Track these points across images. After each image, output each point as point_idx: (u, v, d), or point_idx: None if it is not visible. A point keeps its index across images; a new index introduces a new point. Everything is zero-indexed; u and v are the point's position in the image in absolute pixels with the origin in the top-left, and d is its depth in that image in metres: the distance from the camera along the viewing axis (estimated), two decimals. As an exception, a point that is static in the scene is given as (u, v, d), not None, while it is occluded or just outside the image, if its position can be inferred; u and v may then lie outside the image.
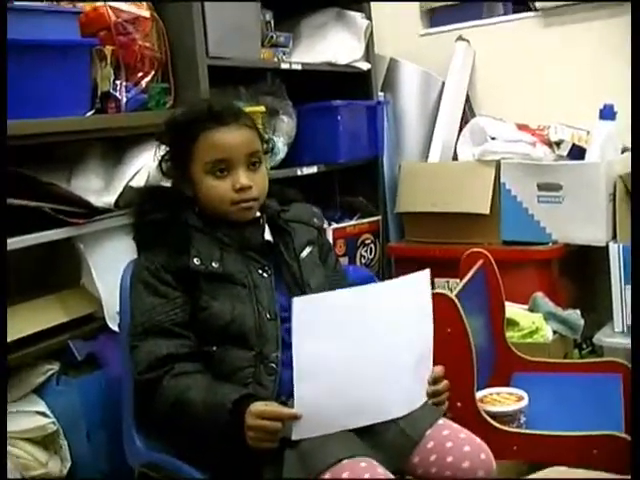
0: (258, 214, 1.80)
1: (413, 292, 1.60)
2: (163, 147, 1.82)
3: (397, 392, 1.56)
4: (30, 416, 2.00)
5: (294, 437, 1.46)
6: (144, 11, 2.34)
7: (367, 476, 1.42)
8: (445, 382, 1.68)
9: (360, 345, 1.48)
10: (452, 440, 1.56)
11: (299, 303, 1.43)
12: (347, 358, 1.47)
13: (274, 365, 1.63)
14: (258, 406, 1.49)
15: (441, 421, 1.62)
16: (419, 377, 1.62)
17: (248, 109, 1.98)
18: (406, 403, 1.58)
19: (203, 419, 1.54)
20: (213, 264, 1.67)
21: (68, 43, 2.06)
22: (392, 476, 1.48)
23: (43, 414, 2.01)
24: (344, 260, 3.12)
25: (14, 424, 1.95)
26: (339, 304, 1.47)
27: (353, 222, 3.29)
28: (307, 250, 1.83)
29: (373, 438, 1.56)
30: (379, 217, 3.41)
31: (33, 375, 2.04)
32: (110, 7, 2.22)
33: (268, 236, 1.80)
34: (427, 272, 1.62)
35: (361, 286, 1.61)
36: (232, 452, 1.53)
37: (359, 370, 1.49)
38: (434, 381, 1.66)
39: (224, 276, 1.67)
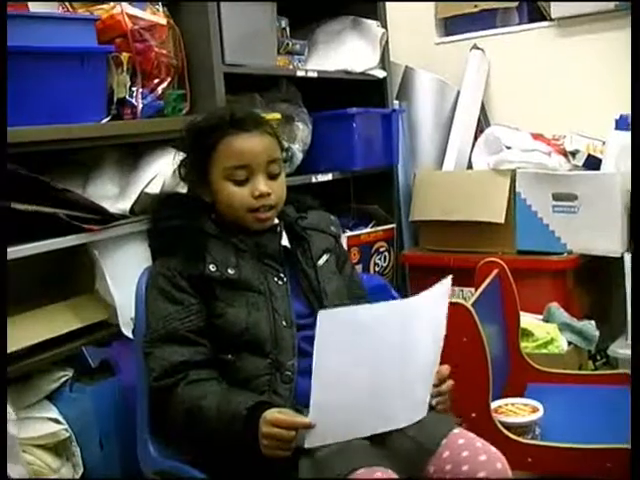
0: (276, 221, 1.79)
1: (434, 304, 1.57)
2: (182, 153, 1.81)
3: (408, 401, 1.54)
4: (43, 422, 1.99)
5: (307, 445, 1.44)
6: (161, 18, 2.34)
7: None
8: (449, 382, 1.65)
9: (378, 359, 1.46)
10: (468, 449, 1.54)
11: (325, 316, 1.39)
12: (364, 371, 1.45)
13: (290, 373, 1.61)
14: (272, 414, 1.47)
15: (456, 430, 1.60)
16: (428, 385, 1.60)
17: (264, 117, 1.97)
18: (415, 411, 1.56)
19: (217, 426, 1.52)
20: (229, 271, 1.66)
21: (85, 50, 2.06)
22: None
23: (56, 420, 2.00)
24: (358, 268, 3.11)
25: (27, 430, 1.95)
26: (364, 319, 1.44)
27: (367, 230, 3.28)
28: (324, 258, 1.82)
29: (388, 447, 1.54)
30: (393, 225, 3.39)
31: (46, 381, 2.04)
32: (127, 14, 2.22)
33: (285, 242, 1.79)
34: (449, 281, 1.60)
35: (386, 302, 1.57)
36: (246, 461, 1.52)
37: (374, 382, 1.47)
38: (439, 382, 1.63)
39: (240, 283, 1.66)
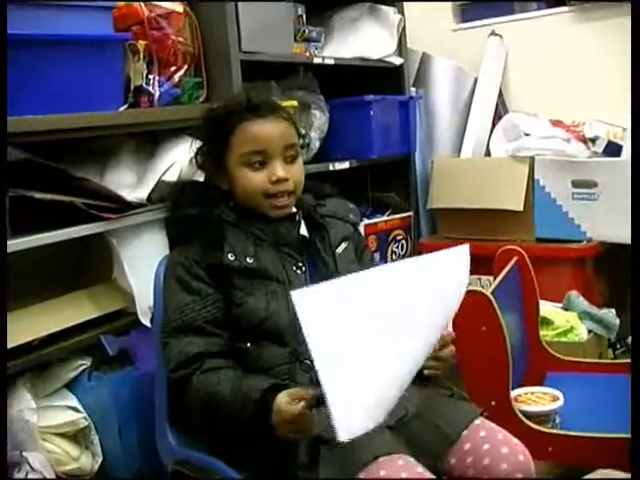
0: (294, 210, 1.78)
1: (438, 269, 1.51)
2: (198, 140, 1.81)
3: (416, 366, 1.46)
4: (62, 411, 1.99)
5: (342, 438, 1.30)
6: (177, 6, 2.33)
7: (404, 475, 1.40)
8: (451, 348, 1.59)
9: (374, 327, 1.36)
10: (489, 442, 1.53)
11: (299, 297, 1.30)
12: (364, 343, 1.36)
13: (309, 362, 1.60)
14: (284, 393, 1.46)
15: (478, 421, 1.58)
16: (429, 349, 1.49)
17: (281, 104, 1.96)
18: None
19: (231, 412, 1.51)
20: (247, 259, 1.65)
21: (101, 38, 2.06)
22: (430, 475, 1.44)
23: (75, 409, 2.00)
24: (375, 256, 3.09)
25: (46, 419, 1.95)
26: (345, 290, 1.36)
27: (385, 218, 3.27)
28: (343, 246, 1.80)
29: (408, 435, 1.53)
30: (411, 213, 3.38)
31: (65, 370, 2.04)
32: (143, 2, 2.22)
33: (304, 231, 1.78)
34: (466, 248, 1.56)
35: (367, 270, 1.47)
36: (266, 449, 1.51)
37: (379, 353, 1.40)
38: (440, 346, 1.56)
39: (259, 272, 1.65)
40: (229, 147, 1.72)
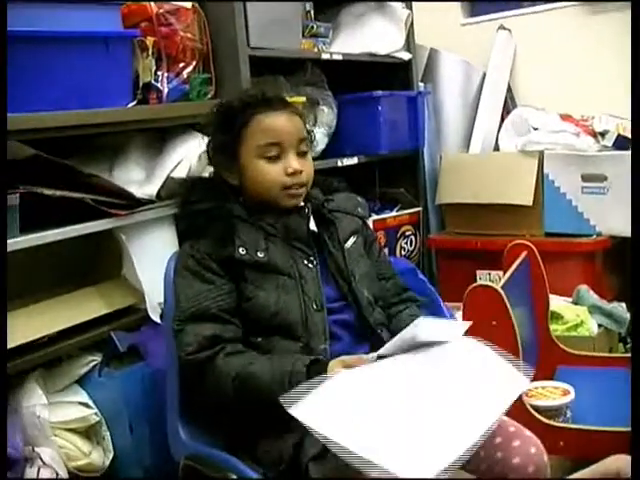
0: (302, 204, 1.78)
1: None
2: (207, 136, 1.81)
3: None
4: (73, 406, 2.00)
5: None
6: (186, 2, 2.33)
7: None
8: None
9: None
10: (501, 435, 1.53)
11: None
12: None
13: (322, 358, 1.60)
14: (337, 360, 1.46)
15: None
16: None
17: (289, 100, 1.96)
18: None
19: (273, 389, 1.47)
20: (259, 254, 1.65)
21: (110, 35, 2.07)
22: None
23: (86, 405, 2.01)
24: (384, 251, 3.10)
25: (57, 414, 1.95)
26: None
27: (393, 213, 3.27)
28: (351, 240, 1.81)
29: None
30: (419, 208, 3.38)
31: (76, 366, 2.04)
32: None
33: (313, 226, 1.78)
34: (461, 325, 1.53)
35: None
36: (285, 442, 1.51)
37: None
38: None
39: (269, 266, 1.65)
40: (243, 140, 1.72)
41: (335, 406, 1.27)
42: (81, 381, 2.05)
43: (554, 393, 2.07)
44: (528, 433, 1.55)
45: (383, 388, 1.34)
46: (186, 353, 1.58)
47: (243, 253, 1.64)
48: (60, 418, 1.95)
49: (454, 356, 1.47)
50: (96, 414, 2.01)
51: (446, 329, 1.54)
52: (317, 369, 1.46)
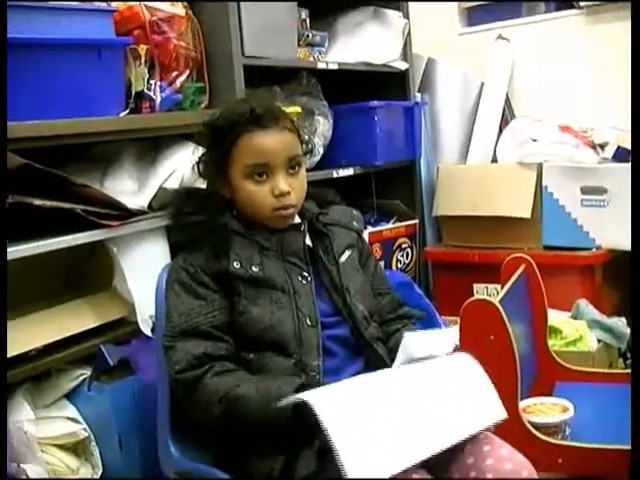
0: (298, 220, 1.79)
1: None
2: (201, 148, 1.81)
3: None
4: (61, 422, 1.99)
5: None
6: (179, 9, 2.34)
7: None
8: None
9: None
10: (492, 457, 1.51)
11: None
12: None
13: (315, 374, 1.60)
14: None
15: (482, 435, 1.58)
16: None
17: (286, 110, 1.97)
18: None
19: (259, 413, 1.49)
20: (253, 268, 1.66)
21: (102, 42, 2.06)
22: None
23: (74, 420, 2.00)
24: (380, 264, 3.10)
25: (45, 430, 1.94)
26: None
27: (389, 226, 3.26)
28: (346, 254, 1.81)
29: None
30: (416, 221, 3.38)
31: (64, 380, 2.04)
32: (145, 5, 2.23)
33: (308, 241, 1.78)
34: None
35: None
36: (275, 459, 1.51)
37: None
38: None
39: (264, 281, 1.66)
40: (231, 158, 1.72)
41: (342, 400, 1.35)
42: (70, 395, 2.04)
43: (552, 409, 2.06)
44: (520, 457, 1.51)
45: (376, 395, 1.40)
46: (175, 371, 1.59)
47: (237, 267, 1.65)
48: (48, 433, 1.94)
49: (443, 372, 1.52)
50: (85, 429, 2.00)
51: (438, 341, 1.58)
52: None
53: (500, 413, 1.53)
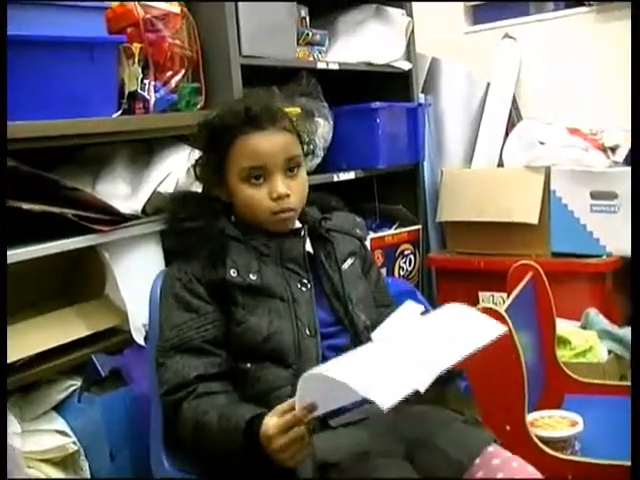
0: (299, 225, 1.78)
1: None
2: (197, 151, 1.80)
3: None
4: (49, 435, 1.98)
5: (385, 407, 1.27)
6: (174, 7, 2.34)
7: None
8: None
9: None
10: (503, 470, 1.51)
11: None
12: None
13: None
14: (270, 417, 1.41)
15: (491, 447, 1.57)
16: None
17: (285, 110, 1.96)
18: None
19: (220, 443, 1.50)
20: (251, 276, 1.65)
21: (94, 40, 2.06)
22: None
23: (63, 433, 1.99)
24: (382, 271, 3.09)
25: (32, 444, 1.94)
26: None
27: (392, 231, 3.27)
28: (349, 261, 1.80)
29: (417, 461, 1.53)
30: (419, 226, 3.38)
31: (53, 391, 2.03)
32: (138, 2, 2.22)
33: (309, 247, 1.77)
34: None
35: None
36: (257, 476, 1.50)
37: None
38: None
39: (262, 289, 1.65)
40: (227, 161, 1.71)
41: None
42: (59, 407, 2.04)
43: (561, 423, 2.05)
44: (531, 469, 1.51)
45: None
46: (162, 392, 1.61)
47: (234, 275, 1.64)
48: (35, 448, 1.93)
49: (432, 317, 1.57)
50: (74, 443, 1.99)
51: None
52: (258, 423, 1.42)
53: (498, 329, 1.51)
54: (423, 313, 1.58)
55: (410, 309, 1.59)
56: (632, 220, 1.69)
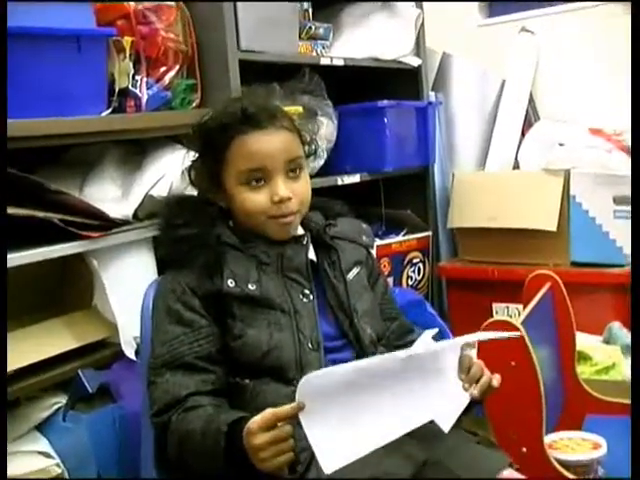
0: (301, 231, 1.78)
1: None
2: (192, 152, 1.80)
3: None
4: (31, 457, 1.98)
5: (327, 471, 1.33)
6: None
7: None
8: (477, 363, 1.60)
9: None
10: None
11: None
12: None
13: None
14: (253, 421, 1.40)
15: (506, 472, 1.56)
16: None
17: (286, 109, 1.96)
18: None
19: (203, 451, 1.49)
20: (249, 286, 1.65)
21: (82, 33, 2.06)
22: None
23: (47, 455, 1.99)
24: (389, 281, 3.09)
25: (13, 466, 1.92)
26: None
27: (400, 238, 3.26)
28: (355, 271, 1.80)
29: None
30: (429, 233, 3.38)
31: (36, 410, 2.03)
32: (129, -6, 2.23)
33: (312, 255, 1.77)
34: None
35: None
36: None
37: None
38: (467, 370, 1.57)
39: (261, 300, 1.65)
40: (225, 163, 1.71)
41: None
42: (42, 427, 2.04)
43: (582, 446, 2.05)
44: None
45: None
46: (152, 412, 1.61)
47: (232, 285, 1.64)
48: (16, 471, 1.93)
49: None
50: (58, 465, 2.00)
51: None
52: (241, 427, 1.42)
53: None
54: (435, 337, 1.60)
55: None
56: (632, 220, 1.68)
